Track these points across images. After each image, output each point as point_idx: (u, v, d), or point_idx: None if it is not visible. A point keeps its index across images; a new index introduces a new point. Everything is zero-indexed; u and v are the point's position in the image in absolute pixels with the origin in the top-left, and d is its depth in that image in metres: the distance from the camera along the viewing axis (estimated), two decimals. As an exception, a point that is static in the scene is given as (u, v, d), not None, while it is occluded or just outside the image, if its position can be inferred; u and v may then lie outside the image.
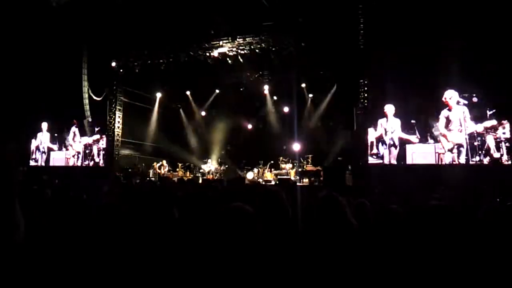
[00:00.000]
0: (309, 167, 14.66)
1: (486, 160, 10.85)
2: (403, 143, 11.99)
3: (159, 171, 16.49)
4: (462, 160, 11.12)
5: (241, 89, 17.71)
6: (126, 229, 2.71)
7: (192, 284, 1.98)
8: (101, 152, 16.22)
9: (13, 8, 13.36)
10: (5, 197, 1.28)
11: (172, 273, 2.13)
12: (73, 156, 16.69)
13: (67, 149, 16.85)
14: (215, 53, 14.65)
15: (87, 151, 16.53)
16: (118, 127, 16.38)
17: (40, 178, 14.07)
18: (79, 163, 16.63)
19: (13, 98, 14.57)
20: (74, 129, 16.76)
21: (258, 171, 15.63)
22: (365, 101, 12.52)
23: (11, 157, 1.31)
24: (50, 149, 17.29)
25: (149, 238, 2.57)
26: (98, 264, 2.29)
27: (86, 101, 15.71)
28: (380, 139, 12.29)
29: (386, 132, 12.25)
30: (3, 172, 1.29)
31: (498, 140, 10.81)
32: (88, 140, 16.58)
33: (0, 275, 1.32)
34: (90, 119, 16.42)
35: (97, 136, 16.50)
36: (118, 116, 16.39)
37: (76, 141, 16.77)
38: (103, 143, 16.24)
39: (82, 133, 16.64)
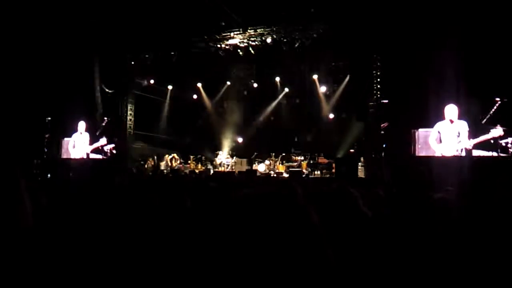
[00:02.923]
0: (321, 159, 14.58)
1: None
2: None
3: (171, 164, 16.56)
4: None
5: (252, 81, 17.63)
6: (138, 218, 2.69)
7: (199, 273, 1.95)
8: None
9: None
10: (13, 188, 1.47)
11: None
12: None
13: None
14: (226, 44, 14.62)
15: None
16: (130, 119, 16.47)
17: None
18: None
19: (19, 92, 14.67)
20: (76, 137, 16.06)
21: (270, 163, 15.60)
22: (378, 92, 12.37)
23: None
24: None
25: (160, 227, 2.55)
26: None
27: (98, 93, 15.77)
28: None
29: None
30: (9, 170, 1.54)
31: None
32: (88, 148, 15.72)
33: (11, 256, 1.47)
34: (101, 112, 16.46)
35: (101, 142, 15.65)
36: (130, 109, 16.49)
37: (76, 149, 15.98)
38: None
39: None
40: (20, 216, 1.55)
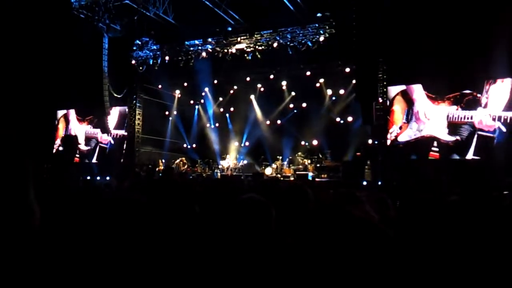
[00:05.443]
0: (328, 163, 14.60)
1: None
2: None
3: (179, 167, 16.67)
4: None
5: (259, 85, 17.72)
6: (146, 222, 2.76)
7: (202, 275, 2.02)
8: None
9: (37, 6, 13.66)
10: (19, 186, 1.37)
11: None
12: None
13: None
14: (233, 49, 14.77)
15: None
16: (138, 124, 16.65)
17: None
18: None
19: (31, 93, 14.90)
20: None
21: (277, 166, 15.63)
22: (384, 96, 12.40)
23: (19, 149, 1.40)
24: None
25: (170, 231, 2.62)
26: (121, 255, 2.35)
27: (107, 98, 15.94)
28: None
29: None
30: (16, 162, 1.37)
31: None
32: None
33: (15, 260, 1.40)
34: (110, 116, 16.64)
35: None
36: (138, 113, 16.68)
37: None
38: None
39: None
40: (27, 218, 1.46)
